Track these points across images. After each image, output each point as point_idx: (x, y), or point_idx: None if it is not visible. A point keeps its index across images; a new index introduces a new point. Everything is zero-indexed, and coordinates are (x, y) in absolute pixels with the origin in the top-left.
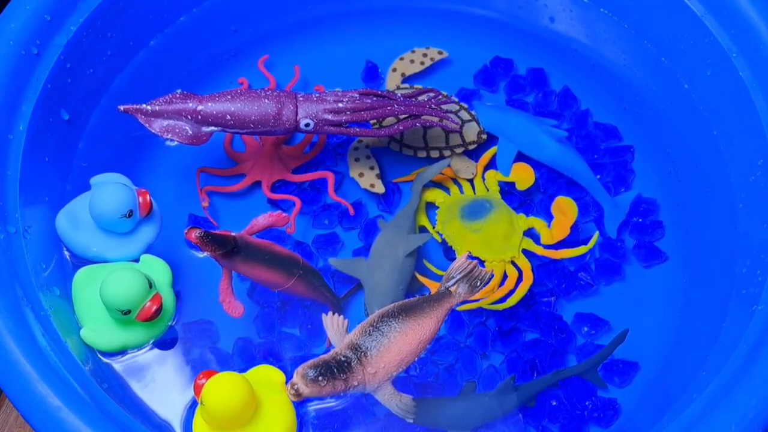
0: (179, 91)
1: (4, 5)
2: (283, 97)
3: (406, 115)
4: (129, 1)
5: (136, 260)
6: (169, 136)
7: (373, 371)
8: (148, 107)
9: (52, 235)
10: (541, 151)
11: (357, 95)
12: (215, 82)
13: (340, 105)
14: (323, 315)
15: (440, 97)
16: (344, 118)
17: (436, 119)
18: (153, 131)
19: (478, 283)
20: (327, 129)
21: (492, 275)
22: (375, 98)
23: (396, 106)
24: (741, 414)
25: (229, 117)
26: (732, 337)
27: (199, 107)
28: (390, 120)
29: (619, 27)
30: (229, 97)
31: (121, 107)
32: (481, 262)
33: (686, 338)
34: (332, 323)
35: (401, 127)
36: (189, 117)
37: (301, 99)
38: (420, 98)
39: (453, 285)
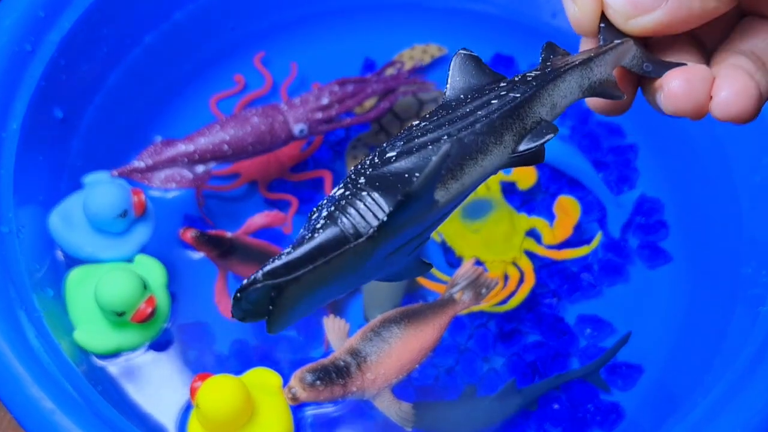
0: (159, 138)
1: None
2: (269, 110)
3: (384, 93)
4: None
5: (131, 260)
6: (173, 185)
7: (373, 377)
8: (141, 164)
9: (45, 235)
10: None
11: (336, 87)
12: (211, 80)
13: (325, 101)
14: (324, 318)
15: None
16: (333, 112)
17: (414, 87)
18: (154, 186)
19: (484, 291)
20: (321, 128)
21: (497, 283)
22: (351, 85)
23: (374, 85)
24: (747, 417)
25: (226, 146)
26: (737, 339)
27: (192, 147)
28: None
29: None
30: (217, 127)
31: (115, 171)
32: (481, 264)
33: (691, 340)
34: (333, 326)
35: (388, 104)
36: (185, 160)
37: (285, 107)
38: (389, 72)
39: (458, 292)
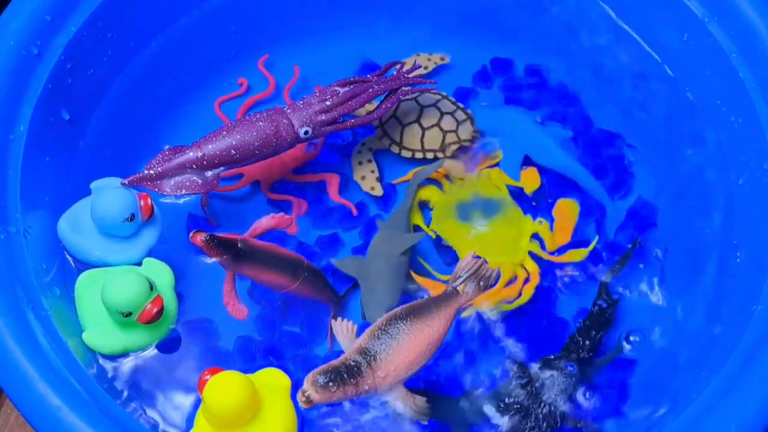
0: (167, 147)
1: (4, 6)
2: (273, 114)
3: (385, 94)
4: (129, 2)
5: (139, 264)
6: (183, 191)
7: (384, 374)
8: (151, 172)
9: (53, 236)
10: (542, 153)
11: (338, 89)
12: (215, 83)
13: (328, 103)
14: (332, 321)
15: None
16: (336, 113)
17: (415, 90)
18: (165, 193)
19: (485, 282)
20: (324, 130)
21: (499, 273)
22: (353, 86)
23: (375, 86)
24: (741, 414)
25: (233, 151)
26: (731, 337)
27: (200, 153)
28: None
29: (620, 28)
30: (224, 133)
31: (125, 180)
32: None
33: (686, 338)
34: (341, 328)
35: (389, 105)
36: (194, 166)
37: (289, 110)
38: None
39: (460, 284)
